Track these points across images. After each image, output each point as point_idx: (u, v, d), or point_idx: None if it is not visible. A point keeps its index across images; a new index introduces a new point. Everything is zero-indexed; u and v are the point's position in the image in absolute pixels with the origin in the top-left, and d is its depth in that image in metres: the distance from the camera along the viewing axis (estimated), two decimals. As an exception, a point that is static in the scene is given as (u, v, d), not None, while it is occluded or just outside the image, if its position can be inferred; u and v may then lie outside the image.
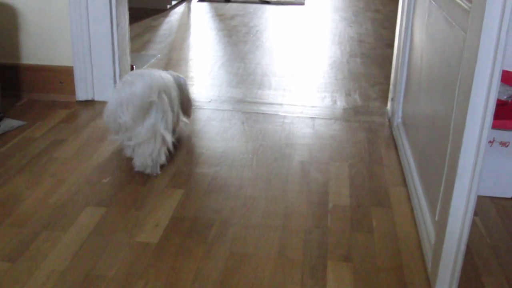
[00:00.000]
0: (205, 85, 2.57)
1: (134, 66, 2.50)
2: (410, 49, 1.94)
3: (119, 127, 1.68)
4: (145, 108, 1.64)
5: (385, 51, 3.23)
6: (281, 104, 2.34)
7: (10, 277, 1.25)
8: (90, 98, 2.31)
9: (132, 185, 1.66)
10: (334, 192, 1.65)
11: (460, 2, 1.24)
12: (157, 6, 4.32)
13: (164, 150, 1.72)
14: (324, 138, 2.02)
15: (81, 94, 2.30)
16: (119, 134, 1.70)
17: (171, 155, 1.80)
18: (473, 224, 1.47)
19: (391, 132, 2.09)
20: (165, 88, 1.73)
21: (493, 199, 1.64)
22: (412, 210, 1.56)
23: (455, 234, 1.17)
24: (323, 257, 1.35)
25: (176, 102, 1.81)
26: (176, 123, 1.84)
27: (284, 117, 2.21)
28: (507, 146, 1.60)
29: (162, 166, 1.74)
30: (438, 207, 1.28)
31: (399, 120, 2.05)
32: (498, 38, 1.01)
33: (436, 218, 1.29)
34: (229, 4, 4.64)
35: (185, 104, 1.97)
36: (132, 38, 3.27)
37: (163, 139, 1.70)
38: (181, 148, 1.89)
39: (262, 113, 2.24)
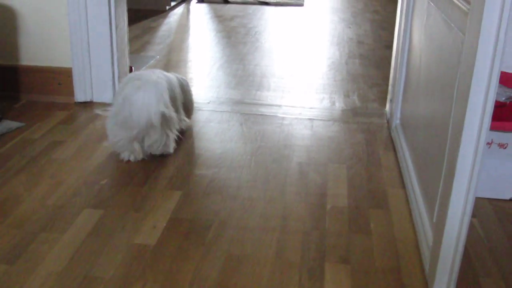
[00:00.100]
0: (204, 87, 2.57)
1: (133, 68, 2.50)
2: (409, 51, 1.94)
3: (139, 127, 1.73)
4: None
5: (383, 52, 3.23)
6: (279, 106, 2.34)
7: (8, 278, 1.25)
8: (88, 100, 2.31)
9: (130, 186, 1.66)
10: (332, 194, 1.65)
11: (459, 4, 1.24)
12: (156, 7, 4.32)
13: (173, 131, 1.81)
14: (323, 140, 2.02)
15: (80, 95, 2.30)
16: (132, 133, 1.73)
17: (171, 155, 1.80)
18: (471, 226, 1.47)
19: (390, 133, 2.09)
20: (171, 86, 1.84)
21: (491, 200, 1.64)
22: (410, 211, 1.56)
23: (453, 236, 1.17)
24: (321, 258, 1.35)
25: (179, 101, 1.90)
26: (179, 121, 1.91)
27: (283, 118, 2.21)
28: (505, 147, 1.59)
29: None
30: (436, 209, 1.28)
31: (398, 121, 2.05)
32: (497, 40, 1.01)
33: (434, 219, 1.29)
34: (228, 5, 4.64)
35: (187, 105, 2.02)
36: (131, 40, 3.27)
37: (171, 121, 1.79)
38: (179, 150, 1.89)
39: (261, 115, 2.24)
